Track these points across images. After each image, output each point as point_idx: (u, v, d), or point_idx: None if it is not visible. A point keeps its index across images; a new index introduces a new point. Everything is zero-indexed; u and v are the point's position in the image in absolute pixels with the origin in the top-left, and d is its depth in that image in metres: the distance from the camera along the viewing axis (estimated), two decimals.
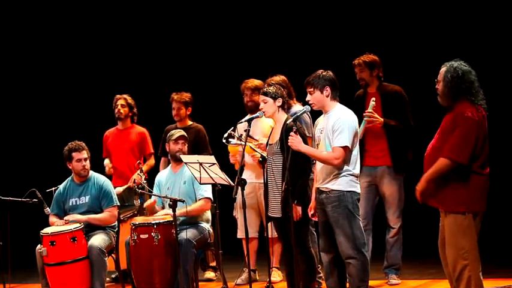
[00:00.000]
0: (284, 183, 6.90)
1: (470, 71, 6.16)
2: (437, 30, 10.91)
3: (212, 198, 8.15)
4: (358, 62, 8.27)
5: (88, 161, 8.31)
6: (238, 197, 8.61)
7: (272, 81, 8.19)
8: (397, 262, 8.29)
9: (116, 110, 9.66)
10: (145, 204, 8.32)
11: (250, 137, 7.88)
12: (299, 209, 7.04)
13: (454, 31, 10.78)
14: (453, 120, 6.07)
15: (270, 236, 7.70)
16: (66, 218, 8.15)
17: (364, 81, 8.30)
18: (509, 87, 10.59)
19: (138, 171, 8.64)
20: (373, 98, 8.03)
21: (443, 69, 6.18)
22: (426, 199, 6.18)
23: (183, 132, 8.47)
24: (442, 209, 6.17)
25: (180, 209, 7.91)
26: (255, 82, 8.79)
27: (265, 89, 7.38)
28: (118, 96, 9.71)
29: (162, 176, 8.46)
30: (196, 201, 8.17)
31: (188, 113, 9.40)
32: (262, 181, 8.38)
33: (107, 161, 9.62)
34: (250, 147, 7.93)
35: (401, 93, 8.27)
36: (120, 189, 8.41)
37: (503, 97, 10.23)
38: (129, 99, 9.69)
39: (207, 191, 8.12)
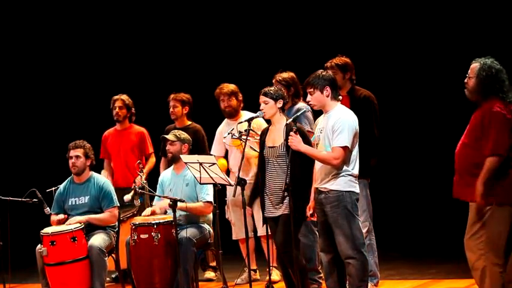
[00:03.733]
0: (284, 183, 6.88)
1: (502, 69, 6.25)
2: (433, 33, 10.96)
3: (213, 202, 8.12)
4: (331, 64, 7.95)
5: (80, 160, 8.25)
6: (229, 198, 8.61)
7: (280, 77, 8.15)
8: (371, 268, 7.74)
9: (114, 113, 9.63)
10: (144, 214, 8.25)
11: (253, 131, 7.83)
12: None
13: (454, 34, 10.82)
14: (482, 117, 6.14)
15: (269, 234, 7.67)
16: (67, 222, 8.16)
17: None
18: None
19: (139, 172, 8.63)
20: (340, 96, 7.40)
21: (476, 66, 6.22)
22: (484, 198, 6.11)
23: (173, 133, 8.43)
24: (468, 200, 6.19)
25: (180, 205, 7.88)
26: (230, 87, 8.77)
27: (266, 90, 7.27)
28: (115, 97, 9.66)
29: (165, 176, 8.44)
30: None
31: (185, 112, 9.35)
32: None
33: (104, 173, 9.53)
34: (251, 146, 7.93)
35: (370, 98, 7.97)
36: (128, 196, 8.34)
37: None
38: (127, 100, 9.65)
39: (209, 195, 8.07)
